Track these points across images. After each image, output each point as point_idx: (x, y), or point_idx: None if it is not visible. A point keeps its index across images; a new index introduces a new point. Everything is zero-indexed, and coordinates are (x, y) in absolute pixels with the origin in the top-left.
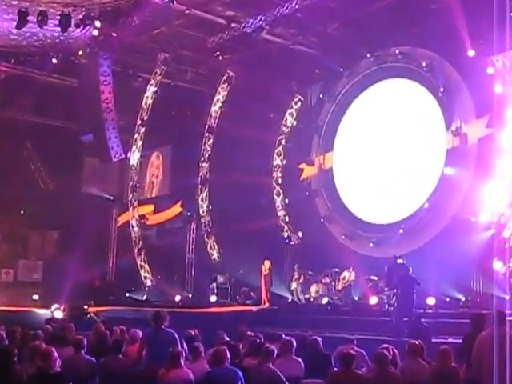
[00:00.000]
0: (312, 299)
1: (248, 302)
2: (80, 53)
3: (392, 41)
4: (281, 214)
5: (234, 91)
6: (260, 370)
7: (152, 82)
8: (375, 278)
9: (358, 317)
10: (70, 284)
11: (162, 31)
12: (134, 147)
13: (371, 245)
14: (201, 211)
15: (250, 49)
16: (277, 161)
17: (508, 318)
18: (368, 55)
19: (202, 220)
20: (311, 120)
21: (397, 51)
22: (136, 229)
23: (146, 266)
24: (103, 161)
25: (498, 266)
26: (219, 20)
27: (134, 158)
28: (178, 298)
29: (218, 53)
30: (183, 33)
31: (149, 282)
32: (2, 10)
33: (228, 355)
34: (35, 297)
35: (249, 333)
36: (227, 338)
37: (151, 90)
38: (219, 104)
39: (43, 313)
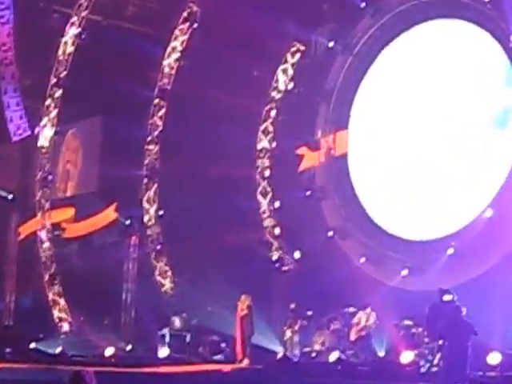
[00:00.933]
0: (314, 354)
1: (217, 357)
2: None
3: None
4: (268, 223)
5: (199, 36)
6: None
7: (74, 19)
8: (410, 322)
9: (383, 381)
10: None
11: None
12: (45, 119)
13: (405, 272)
14: (146, 218)
15: None
16: (263, 142)
17: None
18: None
19: (149, 232)
20: (316, 81)
21: None
22: (47, 244)
23: (62, 302)
24: None
25: None
26: None
27: (46, 135)
28: (109, 351)
29: None
30: None
31: (66, 327)
32: None
33: None
34: None
35: None
36: None
37: (72, 31)
38: (176, 55)
39: None
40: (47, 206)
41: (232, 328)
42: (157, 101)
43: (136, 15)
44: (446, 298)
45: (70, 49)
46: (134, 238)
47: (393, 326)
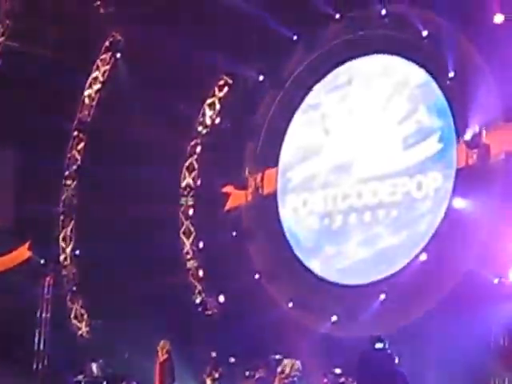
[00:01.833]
0: None
1: None
2: None
3: None
4: (191, 265)
5: (122, 66)
6: None
7: None
8: (339, 371)
9: None
10: None
11: None
12: None
13: (334, 318)
14: (62, 258)
15: None
16: (187, 180)
17: None
18: (338, 16)
19: (64, 272)
20: (244, 116)
21: (383, 11)
22: None
23: None
24: None
25: None
26: None
27: None
28: None
29: (99, 2)
30: None
31: None
32: None
33: None
34: None
35: None
36: None
37: None
38: (97, 86)
39: None
40: None
41: (151, 374)
42: (76, 133)
43: (55, 43)
44: (378, 345)
45: None
46: (48, 278)
47: (321, 375)
